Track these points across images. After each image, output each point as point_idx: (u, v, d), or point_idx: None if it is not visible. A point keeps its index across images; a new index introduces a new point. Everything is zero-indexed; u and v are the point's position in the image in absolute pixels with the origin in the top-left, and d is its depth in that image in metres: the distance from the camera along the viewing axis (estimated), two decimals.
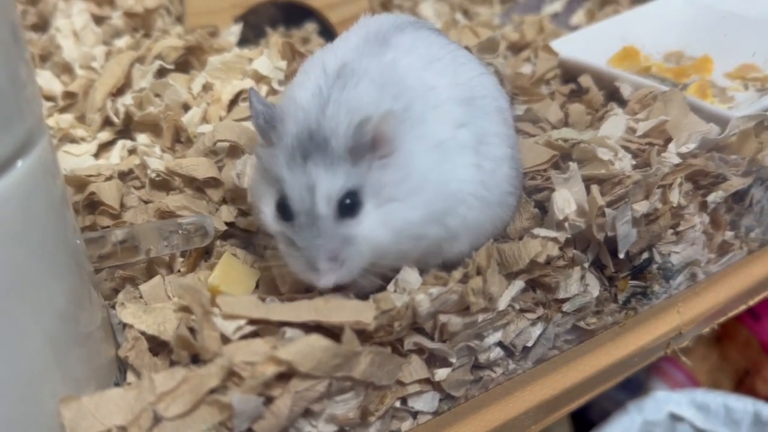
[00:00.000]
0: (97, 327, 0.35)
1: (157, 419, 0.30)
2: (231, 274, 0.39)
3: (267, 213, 0.36)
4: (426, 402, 0.37)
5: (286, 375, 0.32)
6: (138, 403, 0.30)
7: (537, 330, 0.40)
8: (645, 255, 0.43)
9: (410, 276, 0.36)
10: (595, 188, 0.39)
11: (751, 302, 0.54)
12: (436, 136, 0.35)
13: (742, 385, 0.87)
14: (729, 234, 0.48)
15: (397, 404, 0.36)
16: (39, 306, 0.30)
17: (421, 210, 0.35)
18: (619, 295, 0.43)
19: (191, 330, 0.33)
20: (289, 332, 0.34)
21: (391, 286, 0.36)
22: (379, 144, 0.33)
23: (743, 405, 0.68)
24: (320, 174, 0.33)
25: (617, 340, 0.45)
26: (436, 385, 0.37)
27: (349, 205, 0.33)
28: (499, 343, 0.39)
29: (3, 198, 0.26)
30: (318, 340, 0.31)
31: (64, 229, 0.32)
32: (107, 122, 0.52)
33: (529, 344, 0.40)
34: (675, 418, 0.70)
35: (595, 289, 0.42)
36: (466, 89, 0.38)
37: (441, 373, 0.37)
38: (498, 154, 0.38)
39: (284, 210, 0.34)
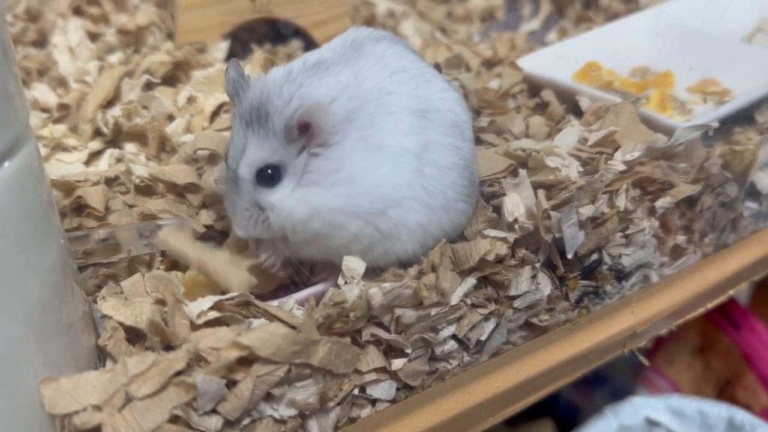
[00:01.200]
0: (79, 318, 0.37)
1: (128, 399, 0.33)
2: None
3: (223, 160, 0.42)
4: (383, 390, 0.40)
5: (249, 361, 0.35)
6: (112, 384, 0.33)
7: (490, 325, 0.43)
8: (594, 256, 0.46)
9: (353, 263, 0.39)
10: (541, 192, 0.42)
11: (709, 305, 0.57)
12: (380, 140, 0.39)
13: (724, 393, 0.89)
14: (681, 238, 0.51)
15: (356, 392, 0.39)
16: (24, 297, 0.32)
17: (341, 200, 0.38)
18: (570, 293, 0.46)
19: (164, 320, 0.36)
20: (256, 322, 0.37)
21: (340, 279, 0.39)
22: (312, 132, 0.38)
23: (717, 410, 0.70)
24: (252, 142, 0.38)
25: (570, 337, 0.47)
26: (393, 375, 0.40)
27: (268, 176, 0.38)
28: (454, 336, 0.42)
29: None
30: (278, 328, 0.34)
31: (48, 228, 0.35)
32: (98, 133, 0.56)
33: (483, 338, 0.43)
34: (651, 423, 0.72)
35: (546, 287, 0.44)
36: (422, 102, 0.41)
37: (397, 363, 0.40)
38: (444, 163, 0.41)
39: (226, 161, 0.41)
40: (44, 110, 0.59)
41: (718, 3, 0.70)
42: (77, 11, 0.71)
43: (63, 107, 0.58)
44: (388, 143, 0.39)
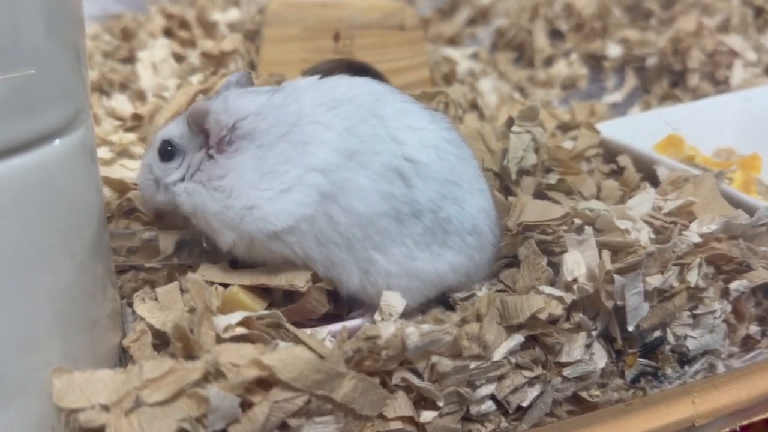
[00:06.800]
0: (106, 316, 0.37)
1: (138, 403, 0.31)
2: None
3: None
4: None
5: (268, 384, 0.32)
6: (124, 386, 0.32)
7: (534, 391, 0.39)
8: (657, 333, 0.42)
9: (392, 299, 0.37)
10: (605, 253, 0.39)
11: None
12: (275, 165, 0.39)
13: None
14: (755, 329, 0.46)
15: None
16: (54, 279, 0.32)
17: (218, 206, 0.39)
18: (627, 371, 0.42)
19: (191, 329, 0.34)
20: (282, 345, 0.35)
21: (377, 315, 0.37)
22: (207, 136, 0.40)
23: None
24: (177, 121, 0.42)
25: (622, 419, 0.43)
26: (421, 428, 0.37)
27: (166, 152, 0.41)
28: (492, 397, 0.38)
29: (32, 169, 0.29)
30: (303, 352, 0.32)
31: (91, 216, 0.34)
32: None
33: (525, 404, 0.39)
34: None
35: (601, 359, 0.41)
36: (357, 141, 0.39)
37: (427, 415, 0.37)
38: (361, 209, 0.38)
39: None
40: (119, 118, 0.60)
41: None
42: (168, 33, 0.73)
43: (136, 117, 0.59)
44: (285, 170, 0.39)
